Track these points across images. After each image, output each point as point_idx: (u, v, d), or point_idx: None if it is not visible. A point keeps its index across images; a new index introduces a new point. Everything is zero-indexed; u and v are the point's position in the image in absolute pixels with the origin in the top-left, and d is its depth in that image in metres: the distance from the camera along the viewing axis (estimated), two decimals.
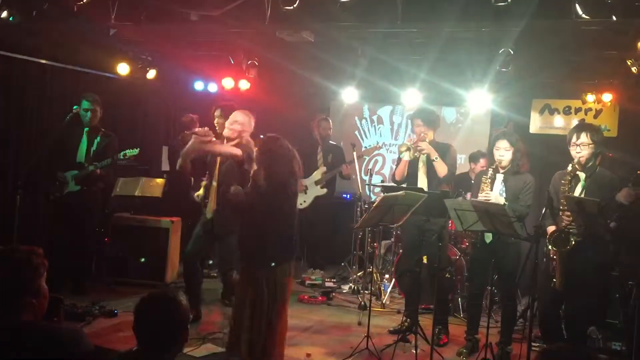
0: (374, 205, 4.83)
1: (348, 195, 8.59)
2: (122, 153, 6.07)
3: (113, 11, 4.97)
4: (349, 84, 7.69)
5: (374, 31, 5.01)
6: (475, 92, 7.73)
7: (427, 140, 5.33)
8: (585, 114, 7.79)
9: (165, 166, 8.55)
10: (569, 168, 4.46)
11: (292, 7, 4.10)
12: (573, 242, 4.30)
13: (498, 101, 8.08)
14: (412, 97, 8.08)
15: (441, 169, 5.26)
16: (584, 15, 4.05)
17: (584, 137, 4.46)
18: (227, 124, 5.20)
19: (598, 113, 7.75)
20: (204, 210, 5.38)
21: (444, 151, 5.34)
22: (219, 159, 5.27)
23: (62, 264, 5.88)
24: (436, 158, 5.25)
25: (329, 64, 7.26)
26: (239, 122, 5.13)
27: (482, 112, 8.23)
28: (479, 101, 7.92)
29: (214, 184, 5.28)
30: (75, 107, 6.00)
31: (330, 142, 7.97)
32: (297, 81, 8.20)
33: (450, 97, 8.26)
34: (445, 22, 4.46)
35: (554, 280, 4.32)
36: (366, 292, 6.70)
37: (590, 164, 4.50)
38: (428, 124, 5.40)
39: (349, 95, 8.21)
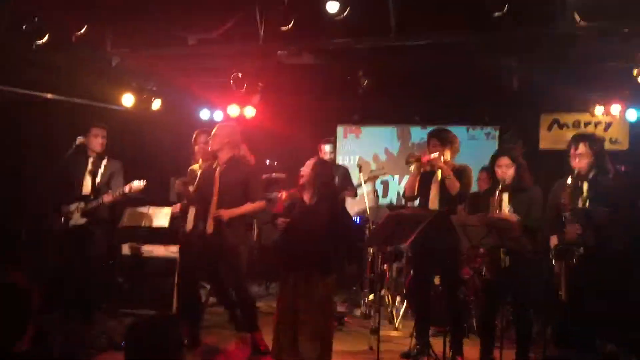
0: (379, 222, 4.75)
1: (358, 218, 8.49)
2: (127, 186, 6.05)
3: (109, 39, 5.00)
4: (354, 105, 7.68)
5: (375, 50, 4.97)
6: (484, 109, 7.73)
7: (442, 159, 5.20)
8: (595, 127, 7.70)
9: (174, 197, 8.55)
10: (569, 180, 4.38)
11: (287, 27, 4.11)
12: (578, 256, 4.18)
13: (506, 117, 8.05)
14: (419, 116, 8.10)
15: (452, 186, 5.12)
16: (582, 22, 4.00)
17: (583, 147, 4.42)
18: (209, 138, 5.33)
19: (608, 126, 7.66)
20: (199, 225, 5.39)
21: (460, 171, 5.21)
22: (217, 172, 5.29)
23: (70, 295, 5.82)
24: (448, 176, 5.15)
25: (333, 86, 7.26)
26: (218, 135, 5.26)
27: (492, 130, 8.18)
28: (489, 118, 7.92)
29: (214, 198, 5.27)
30: (79, 137, 6.00)
31: (336, 164, 7.90)
32: (302, 105, 8.20)
33: (459, 115, 8.24)
34: (443, 31, 4.41)
35: (560, 293, 4.20)
36: (376, 315, 6.58)
37: (591, 174, 4.41)
38: (444, 144, 5.29)
39: (354, 116, 8.24)
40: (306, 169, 4.61)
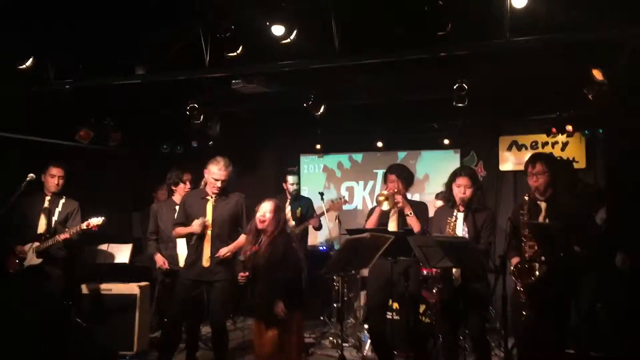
0: (337, 248, 4.72)
1: (324, 247, 8.44)
2: (85, 222, 5.92)
3: (51, 70, 4.91)
4: (314, 134, 7.68)
5: (326, 74, 5.00)
6: (443, 133, 7.81)
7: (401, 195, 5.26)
8: (553, 148, 7.81)
9: (137, 232, 8.39)
10: (527, 197, 4.43)
11: (235, 54, 4.11)
12: (537, 273, 4.19)
13: (466, 141, 8.15)
14: (379, 143, 8.15)
15: (414, 225, 5.16)
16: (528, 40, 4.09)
17: (539, 166, 4.49)
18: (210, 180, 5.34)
19: (565, 145, 7.78)
20: (192, 259, 5.34)
21: (417, 208, 5.27)
22: (210, 204, 5.28)
23: (27, 339, 5.60)
24: (410, 213, 5.17)
25: (293, 115, 7.26)
26: (218, 178, 5.28)
27: (452, 153, 8.27)
28: (447, 142, 8.00)
29: (208, 232, 5.26)
30: (30, 174, 5.84)
31: (300, 195, 7.86)
32: (264, 135, 8.18)
33: (420, 139, 8.31)
34: (389, 51, 4.46)
35: (524, 313, 4.19)
36: (345, 345, 6.49)
37: (548, 192, 4.47)
38: (402, 179, 5.34)
39: (316, 145, 8.26)
40: (267, 215, 4.73)
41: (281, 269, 4.61)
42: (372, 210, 5.49)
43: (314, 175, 9.16)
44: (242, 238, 5.26)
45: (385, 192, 5.27)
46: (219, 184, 5.27)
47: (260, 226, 4.74)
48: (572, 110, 7.04)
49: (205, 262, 5.27)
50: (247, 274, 4.77)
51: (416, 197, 8.11)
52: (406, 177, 5.38)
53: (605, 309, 4.40)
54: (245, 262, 4.80)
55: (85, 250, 6.83)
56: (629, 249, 4.65)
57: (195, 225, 5.23)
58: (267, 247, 4.69)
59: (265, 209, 4.76)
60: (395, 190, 5.24)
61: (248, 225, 4.95)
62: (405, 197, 5.32)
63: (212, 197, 5.34)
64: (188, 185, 6.70)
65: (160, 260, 6.56)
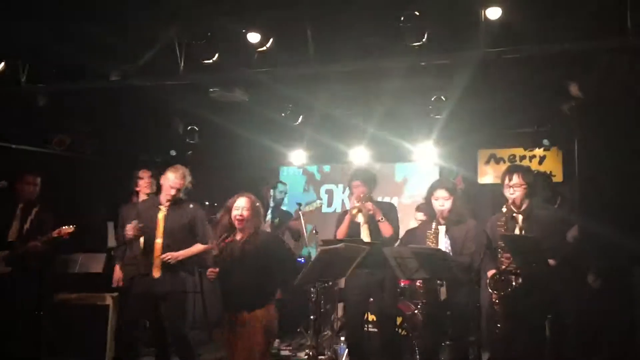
0: (312, 259, 4.66)
1: (302, 260, 8.36)
2: (57, 230, 5.81)
3: (24, 73, 4.82)
4: (296, 144, 7.66)
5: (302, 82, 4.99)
6: (422, 146, 7.82)
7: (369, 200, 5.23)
8: (530, 161, 7.86)
9: (112, 242, 8.25)
10: (504, 209, 4.42)
11: (211, 61, 4.07)
12: (514, 285, 4.18)
13: (444, 155, 8.16)
14: (359, 155, 8.13)
15: (386, 229, 5.14)
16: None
17: (516, 179, 4.47)
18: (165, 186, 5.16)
19: (542, 159, 7.83)
20: (141, 270, 5.14)
21: (387, 210, 5.24)
22: (162, 214, 5.11)
23: None
24: (382, 218, 5.14)
25: (273, 125, 7.22)
26: (174, 186, 5.11)
27: (430, 167, 8.28)
28: (426, 156, 8.00)
29: (158, 241, 5.07)
30: (2, 181, 5.74)
31: (281, 207, 7.82)
32: (242, 143, 8.13)
33: (399, 153, 8.31)
34: (365, 59, 4.44)
35: (498, 325, 4.17)
36: (321, 357, 6.42)
37: (525, 205, 4.47)
38: (368, 184, 5.32)
39: (296, 156, 8.22)
40: (245, 212, 4.49)
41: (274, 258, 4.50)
42: (341, 216, 5.44)
43: (294, 178, 9.12)
44: (197, 247, 5.14)
45: (357, 204, 5.23)
46: (173, 191, 5.10)
47: (238, 225, 4.51)
48: (550, 124, 7.09)
49: (156, 272, 5.08)
50: (217, 270, 4.56)
51: (394, 201, 8.14)
52: (370, 180, 5.36)
53: (576, 324, 4.38)
54: (218, 256, 4.56)
55: (57, 259, 6.72)
56: (601, 264, 4.65)
57: (128, 229, 5.04)
58: (246, 241, 4.49)
59: (242, 205, 4.51)
60: (362, 195, 5.20)
61: (218, 225, 4.65)
62: (372, 200, 5.28)
63: (164, 207, 5.15)
64: (147, 180, 6.48)
65: (116, 275, 6.17)
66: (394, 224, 5.21)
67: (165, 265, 5.05)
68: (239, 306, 4.47)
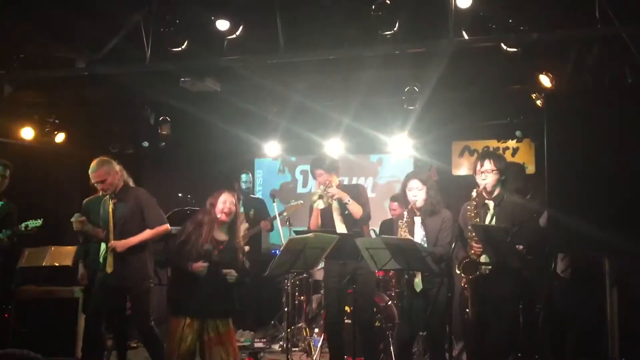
0: (281, 249, 4.62)
1: (277, 251, 8.31)
2: (23, 224, 5.66)
3: None
4: (271, 136, 7.60)
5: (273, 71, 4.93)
6: (396, 137, 7.82)
7: (334, 185, 5.20)
8: (504, 153, 7.88)
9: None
10: (474, 194, 4.40)
11: (180, 49, 4.00)
12: (484, 271, 4.18)
13: (419, 146, 8.17)
14: (335, 147, 8.09)
15: (356, 210, 5.12)
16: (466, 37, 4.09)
17: (488, 164, 4.44)
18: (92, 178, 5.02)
19: (515, 151, 7.89)
20: (100, 264, 5.04)
21: (355, 192, 5.21)
22: (110, 205, 4.99)
23: None
24: (349, 201, 5.12)
25: (247, 116, 7.16)
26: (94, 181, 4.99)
27: (405, 159, 8.29)
28: (401, 147, 8.01)
29: (110, 235, 4.96)
30: None
31: (251, 196, 7.75)
32: (216, 135, 8.05)
33: (374, 144, 8.30)
34: (338, 49, 4.40)
35: (467, 310, 4.17)
36: (295, 349, 6.39)
37: (496, 191, 4.46)
38: (330, 170, 5.27)
39: (271, 148, 8.16)
40: (233, 208, 4.45)
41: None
42: (312, 210, 5.40)
43: (268, 160, 9.01)
44: (146, 233, 5.00)
45: (318, 191, 5.20)
46: (99, 186, 4.99)
47: (224, 219, 4.45)
48: (522, 116, 7.13)
49: (108, 267, 4.97)
50: (206, 264, 4.38)
51: (369, 182, 8.13)
52: (331, 165, 5.30)
53: (546, 313, 4.39)
54: (209, 253, 4.40)
55: (25, 252, 6.58)
56: (571, 255, 4.65)
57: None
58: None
59: (229, 200, 4.46)
60: (327, 182, 5.17)
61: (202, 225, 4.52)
62: (338, 185, 5.25)
63: (109, 201, 5.04)
64: None
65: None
66: (363, 203, 5.15)
67: (117, 259, 4.94)
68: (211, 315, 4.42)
